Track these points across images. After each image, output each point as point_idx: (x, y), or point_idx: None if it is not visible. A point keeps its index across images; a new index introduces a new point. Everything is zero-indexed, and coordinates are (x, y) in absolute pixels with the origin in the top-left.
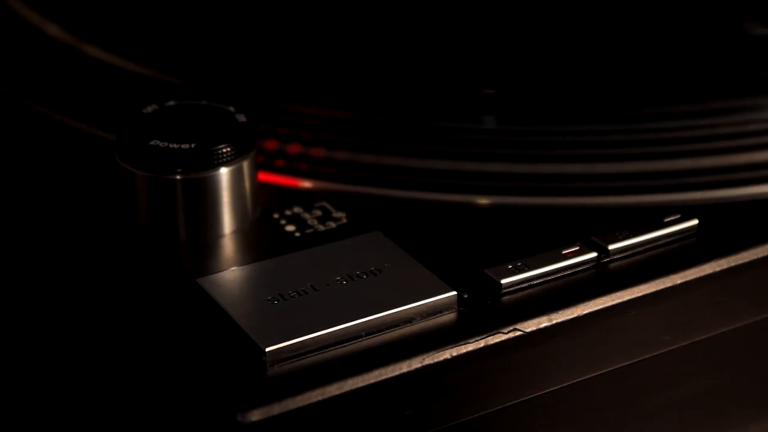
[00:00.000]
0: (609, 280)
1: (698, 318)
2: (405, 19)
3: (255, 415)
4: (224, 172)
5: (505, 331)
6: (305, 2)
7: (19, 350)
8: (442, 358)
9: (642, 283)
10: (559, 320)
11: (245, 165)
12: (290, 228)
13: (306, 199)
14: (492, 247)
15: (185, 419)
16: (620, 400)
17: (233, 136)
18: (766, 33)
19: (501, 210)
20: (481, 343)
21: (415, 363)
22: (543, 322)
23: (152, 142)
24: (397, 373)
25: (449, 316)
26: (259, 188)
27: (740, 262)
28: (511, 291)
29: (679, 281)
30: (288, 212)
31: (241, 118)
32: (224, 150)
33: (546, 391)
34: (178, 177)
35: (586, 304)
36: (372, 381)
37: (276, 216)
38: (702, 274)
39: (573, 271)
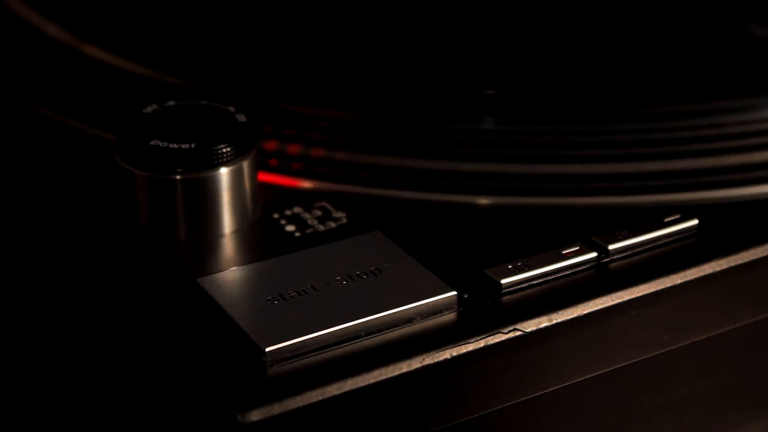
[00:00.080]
0: (609, 280)
1: (698, 318)
2: (405, 20)
3: (255, 415)
4: (224, 172)
5: (505, 331)
6: (305, 3)
7: (19, 350)
8: (442, 358)
9: (642, 283)
10: (559, 320)
11: (245, 165)
12: (290, 228)
13: (306, 199)
14: (492, 247)
15: (185, 419)
16: (620, 400)
17: (233, 136)
18: (766, 33)
19: (501, 210)
20: (481, 343)
21: (415, 363)
22: (543, 322)
23: (152, 142)
24: (397, 373)
25: (449, 316)
26: (259, 188)
27: (740, 262)
28: (511, 291)
29: (679, 281)
30: (288, 212)
31: (241, 118)
32: (224, 150)
33: (546, 391)
34: (178, 177)
35: (586, 304)
36: (372, 381)
37: (276, 216)
38: (702, 274)
39: (573, 271)
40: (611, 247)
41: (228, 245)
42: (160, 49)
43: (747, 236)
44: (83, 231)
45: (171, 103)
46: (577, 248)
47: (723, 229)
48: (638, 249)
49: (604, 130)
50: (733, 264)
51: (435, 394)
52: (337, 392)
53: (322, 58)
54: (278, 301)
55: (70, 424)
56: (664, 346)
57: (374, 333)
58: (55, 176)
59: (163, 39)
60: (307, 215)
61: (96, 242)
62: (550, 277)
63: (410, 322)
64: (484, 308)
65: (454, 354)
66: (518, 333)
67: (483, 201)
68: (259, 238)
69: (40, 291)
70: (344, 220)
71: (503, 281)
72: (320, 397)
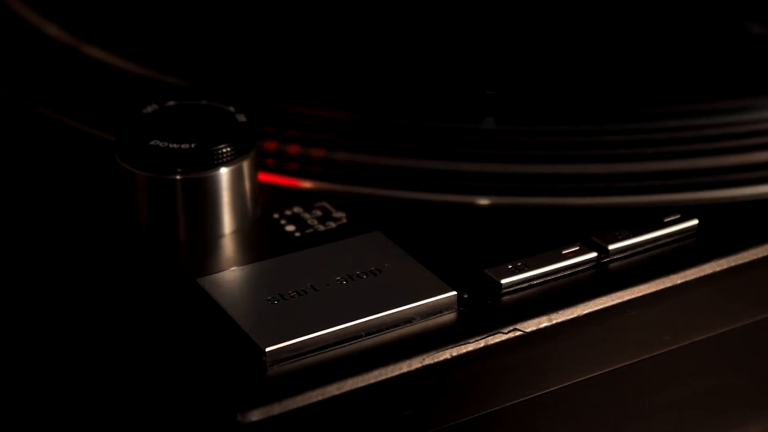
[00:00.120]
0: (609, 280)
1: (698, 318)
2: (405, 20)
3: (255, 415)
4: (224, 172)
5: (505, 331)
6: (305, 3)
7: (19, 350)
8: (442, 358)
9: (642, 283)
10: (559, 320)
11: (245, 165)
12: (290, 228)
13: (306, 199)
14: (492, 247)
15: (185, 419)
16: (620, 400)
17: (233, 136)
18: (766, 33)
19: (501, 210)
20: (481, 343)
21: (415, 363)
22: (543, 322)
23: (152, 142)
24: (397, 373)
25: (449, 316)
26: (259, 188)
27: (740, 262)
28: (511, 291)
29: (679, 281)
30: (288, 212)
31: (241, 118)
32: (224, 150)
33: (546, 391)
34: (178, 177)
35: (586, 304)
36: (372, 381)
37: (276, 216)
38: (702, 274)
39: (573, 271)
40: (611, 247)
41: (228, 245)
42: (160, 49)
43: (747, 236)
44: (83, 231)
45: (171, 103)
46: (577, 248)
47: (723, 229)
48: (638, 249)
49: (603, 130)
50: (733, 264)
51: (435, 394)
52: (337, 392)
53: (322, 59)
54: (278, 301)
55: (71, 424)
56: (664, 346)
57: (374, 333)
58: (55, 176)
59: (163, 39)
60: (307, 215)
61: (96, 242)
62: (550, 277)
63: (410, 322)
64: (484, 308)
65: (454, 354)
66: (518, 333)
67: (483, 201)
68: (259, 238)
69: (40, 291)
70: (344, 220)
71: (503, 281)
72: (320, 397)
